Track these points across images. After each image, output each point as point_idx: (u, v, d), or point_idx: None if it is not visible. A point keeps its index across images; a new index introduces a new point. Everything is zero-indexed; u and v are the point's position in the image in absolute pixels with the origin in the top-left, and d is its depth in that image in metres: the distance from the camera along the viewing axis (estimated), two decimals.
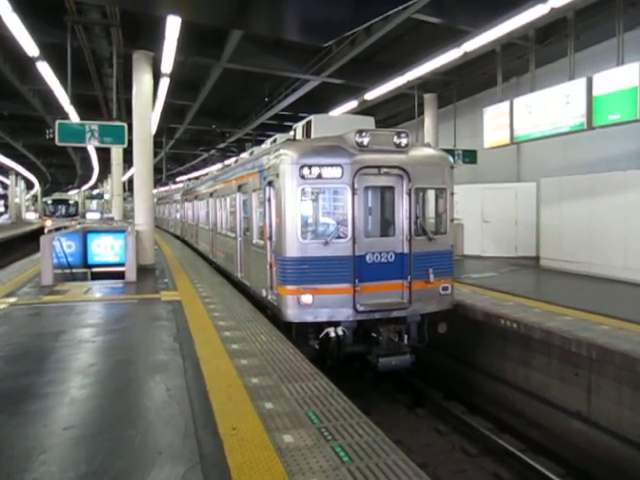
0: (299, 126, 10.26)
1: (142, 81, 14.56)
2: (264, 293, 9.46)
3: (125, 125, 13.00)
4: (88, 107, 20.89)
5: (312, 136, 9.51)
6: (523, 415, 8.81)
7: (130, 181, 23.03)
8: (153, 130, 16.68)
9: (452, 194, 9.20)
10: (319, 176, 8.19)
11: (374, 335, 8.50)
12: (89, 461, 3.92)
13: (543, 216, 15.01)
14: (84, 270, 14.55)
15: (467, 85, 18.88)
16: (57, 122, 12.65)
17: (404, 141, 8.58)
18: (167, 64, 13.86)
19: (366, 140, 8.31)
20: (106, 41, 14.03)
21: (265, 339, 7.31)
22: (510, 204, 17.01)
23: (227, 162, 20.45)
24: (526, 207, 16.57)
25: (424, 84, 18.96)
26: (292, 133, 10.73)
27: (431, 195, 9.35)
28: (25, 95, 20.79)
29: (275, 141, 11.09)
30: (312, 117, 9.75)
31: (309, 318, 8.23)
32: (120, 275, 12.98)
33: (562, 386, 8.36)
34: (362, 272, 8.28)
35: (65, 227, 17.46)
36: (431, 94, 20.35)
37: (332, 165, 8.18)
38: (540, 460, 7.37)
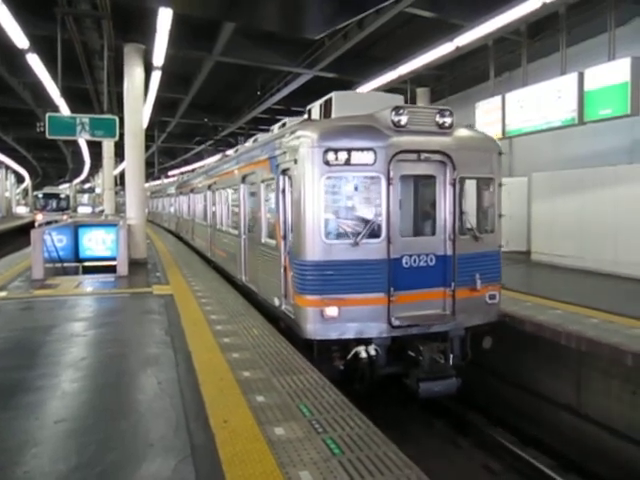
0: (315, 106, 8.80)
1: (133, 74, 14.47)
2: (276, 302, 8.08)
3: (116, 118, 12.93)
4: (79, 100, 20.76)
5: (333, 117, 8.11)
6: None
7: (122, 175, 22.92)
8: (145, 123, 16.62)
9: (500, 185, 8.00)
10: (347, 162, 6.82)
11: (412, 354, 7.18)
12: (80, 454, 3.93)
13: (534, 210, 15.08)
14: (75, 264, 14.49)
15: (459, 79, 18.90)
16: (47, 115, 12.57)
17: (448, 121, 7.26)
18: (159, 57, 13.79)
19: (404, 119, 6.99)
20: (97, 33, 13.93)
21: (257, 333, 7.33)
22: (502, 198, 17.02)
23: (228, 152, 18.61)
24: (518, 201, 16.63)
25: (417, 78, 18.97)
26: (306, 116, 9.18)
27: (472, 186, 8.07)
28: (15, 88, 20.61)
29: (284, 125, 9.68)
30: (333, 94, 8.26)
31: (334, 335, 6.86)
32: (112, 269, 12.94)
33: None
34: (398, 278, 6.94)
35: (56, 221, 17.37)
36: (423, 88, 20.37)
37: (363, 149, 6.82)
38: None
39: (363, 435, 4.24)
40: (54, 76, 14.56)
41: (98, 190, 47.95)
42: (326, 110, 8.38)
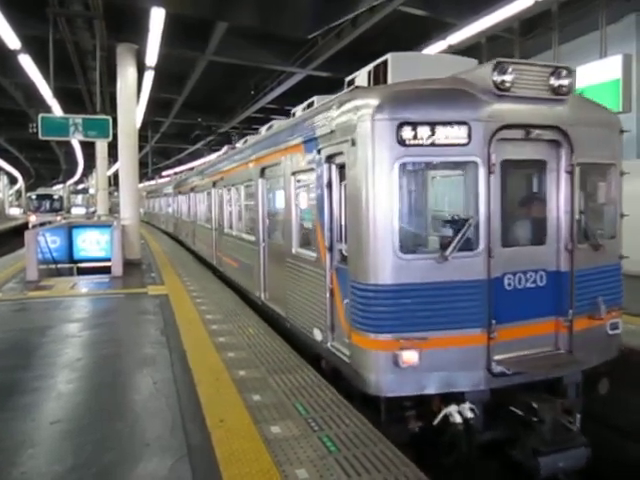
0: (362, 73, 6.93)
1: (126, 74, 14.44)
2: (318, 336, 6.14)
3: (109, 118, 12.91)
4: (72, 100, 20.67)
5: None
6: None
7: (116, 175, 22.86)
8: (138, 124, 16.57)
9: (622, 174, 5.95)
10: (430, 142, 4.87)
11: (518, 411, 5.14)
12: (76, 454, 3.93)
13: None
14: (70, 265, 14.46)
15: None
16: (40, 116, 12.54)
17: (565, 83, 5.20)
18: (152, 57, 13.76)
19: (509, 79, 5.01)
20: (89, 33, 13.88)
21: (252, 332, 7.33)
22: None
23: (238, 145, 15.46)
24: None
25: None
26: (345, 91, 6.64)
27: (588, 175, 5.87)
28: (7, 89, 20.54)
29: (311, 105, 7.90)
30: (389, 55, 6.37)
31: (412, 389, 4.95)
32: (106, 270, 12.92)
33: None
34: (499, 306, 5.00)
35: (50, 222, 17.32)
36: None
37: (453, 123, 4.88)
38: None
39: (359, 433, 4.26)
40: (46, 77, 14.50)
41: (92, 191, 47.76)
42: (376, 77, 6.43)
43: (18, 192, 73.87)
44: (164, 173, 51.40)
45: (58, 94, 16.85)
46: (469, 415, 4.89)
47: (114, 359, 6.27)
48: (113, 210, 24.93)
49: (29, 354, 6.42)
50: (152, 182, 49.73)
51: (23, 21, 12.68)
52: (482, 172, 4.98)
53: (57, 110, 18.10)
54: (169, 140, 34.94)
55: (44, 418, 4.62)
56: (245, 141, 12.25)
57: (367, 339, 5.01)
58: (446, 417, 4.93)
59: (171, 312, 8.55)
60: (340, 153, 5.54)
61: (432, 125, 4.87)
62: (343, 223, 5.76)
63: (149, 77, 15.84)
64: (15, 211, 60.19)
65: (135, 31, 13.65)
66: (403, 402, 5.09)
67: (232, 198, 11.63)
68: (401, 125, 4.83)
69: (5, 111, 26.40)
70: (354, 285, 5.17)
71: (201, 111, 26.32)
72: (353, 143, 5.16)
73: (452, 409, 4.93)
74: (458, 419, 4.88)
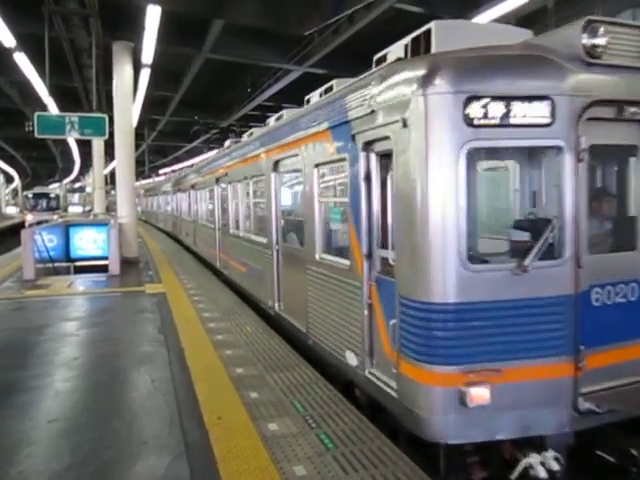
0: (395, 48, 5.67)
1: (122, 72, 14.43)
2: (352, 360, 5.15)
3: (106, 117, 12.89)
4: (68, 99, 20.58)
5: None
6: None
7: (112, 174, 22.83)
8: (135, 122, 16.56)
9: None
10: (504, 122, 3.90)
11: (609, 458, 4.27)
12: (74, 453, 3.94)
13: None
14: (67, 264, 14.45)
15: None
16: (36, 114, 12.53)
17: None
18: (148, 55, 13.72)
19: (602, 42, 4.05)
20: (85, 31, 13.85)
21: (250, 330, 7.34)
22: None
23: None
24: None
25: None
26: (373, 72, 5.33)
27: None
28: (2, 87, 20.47)
29: (330, 90, 6.78)
30: (432, 24, 5.08)
31: (481, 435, 3.99)
32: (103, 268, 12.91)
33: None
34: (587, 327, 4.07)
35: (46, 221, 17.30)
36: None
37: (532, 98, 3.93)
38: None
39: (356, 430, 4.27)
40: (42, 75, 14.46)
41: (89, 189, 47.67)
42: (415, 51, 5.15)
43: (14, 191, 73.71)
44: (161, 171, 51.30)
45: (54, 92, 16.78)
46: (555, 467, 3.87)
47: (111, 358, 6.27)
48: (110, 209, 24.90)
49: (26, 353, 6.41)
50: (150, 180, 49.69)
51: (18, 19, 12.63)
52: (568, 160, 4.01)
53: (53, 108, 18.01)
54: (166, 138, 34.87)
55: (42, 417, 4.62)
56: (251, 134, 11.06)
57: (423, 371, 4.01)
58: (526, 471, 3.92)
59: (169, 310, 8.55)
60: (384, 138, 4.51)
61: (507, 100, 3.89)
62: (388, 224, 4.75)
63: (145, 75, 15.79)
64: (11, 210, 60.08)
65: (131, 29, 13.61)
66: (465, 445, 4.13)
67: (238, 195, 10.59)
68: (469, 100, 3.86)
69: (1, 109, 26.30)
70: (405, 302, 4.17)
71: (198, 109, 26.27)
72: (404, 124, 4.13)
73: (533, 460, 3.89)
74: (542, 474, 3.83)
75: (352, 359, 5.14)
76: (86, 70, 16.90)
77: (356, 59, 17.60)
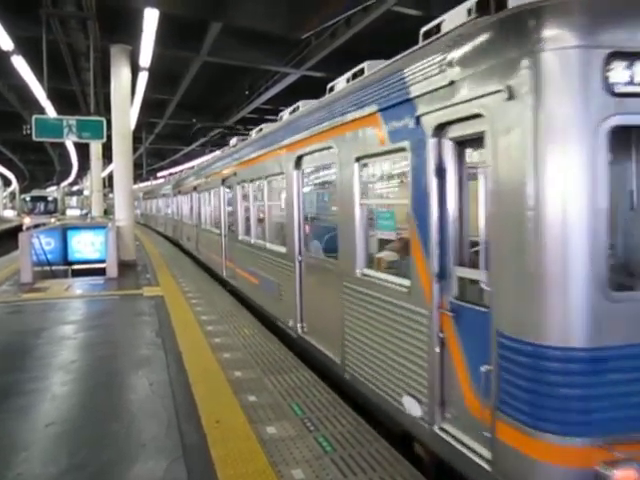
0: (457, 11, 4.51)
1: (120, 75, 14.45)
2: (413, 409, 3.99)
3: (104, 120, 12.87)
4: (65, 102, 20.61)
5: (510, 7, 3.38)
6: None
7: (110, 177, 22.80)
8: (132, 125, 16.56)
9: None
10: None
11: None
12: (72, 456, 3.93)
13: None
14: (64, 267, 14.43)
15: None
16: (34, 117, 12.49)
17: None
18: (146, 58, 13.72)
19: None
20: (83, 34, 13.86)
21: (248, 332, 7.33)
22: None
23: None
24: None
25: None
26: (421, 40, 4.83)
27: None
28: (0, 90, 20.44)
29: (360, 74, 5.65)
30: None
31: None
32: (101, 271, 12.90)
33: None
34: None
35: (44, 224, 17.28)
36: None
37: None
38: None
39: (355, 432, 4.27)
40: (40, 78, 14.44)
41: (87, 192, 47.65)
42: (481, 9, 3.81)
43: (12, 194, 73.61)
44: (159, 174, 51.29)
45: (52, 95, 16.79)
46: None
47: (109, 361, 6.25)
48: (109, 212, 24.85)
49: (24, 356, 6.39)
50: (149, 183, 49.66)
51: (16, 22, 12.64)
52: None
53: (51, 111, 18.03)
54: (164, 141, 34.89)
55: (39, 420, 4.61)
56: (260, 130, 9.78)
57: (540, 442, 2.87)
58: None
59: (166, 313, 8.55)
60: (470, 117, 3.37)
61: None
62: (467, 234, 3.66)
63: (143, 78, 15.82)
64: (9, 213, 59.99)
65: (129, 32, 13.63)
66: None
67: (250, 197, 9.42)
68: (612, 57, 2.77)
69: None
70: (509, 344, 3.04)
71: (196, 112, 26.29)
72: (510, 95, 2.96)
73: None
74: None
75: (413, 407, 3.99)
76: (84, 73, 16.89)
77: (354, 62, 17.68)
